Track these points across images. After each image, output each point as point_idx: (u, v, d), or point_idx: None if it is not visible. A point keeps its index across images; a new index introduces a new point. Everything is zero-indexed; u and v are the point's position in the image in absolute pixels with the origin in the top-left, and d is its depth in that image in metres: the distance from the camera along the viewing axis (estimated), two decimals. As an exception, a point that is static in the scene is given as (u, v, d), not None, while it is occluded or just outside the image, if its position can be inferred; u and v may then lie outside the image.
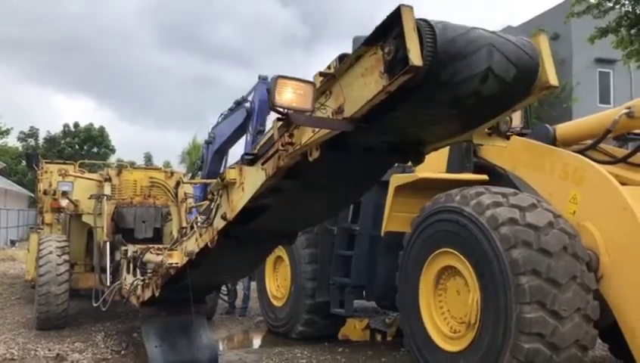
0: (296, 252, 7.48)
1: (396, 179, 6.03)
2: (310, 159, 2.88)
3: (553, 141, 5.62)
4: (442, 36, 2.13)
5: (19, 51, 76.15)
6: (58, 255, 7.92)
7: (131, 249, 6.96)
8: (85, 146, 48.63)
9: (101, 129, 50.22)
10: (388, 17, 2.17)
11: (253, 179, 3.58)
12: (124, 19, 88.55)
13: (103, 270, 7.86)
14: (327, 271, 7.25)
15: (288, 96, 2.48)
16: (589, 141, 5.48)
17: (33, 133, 49.01)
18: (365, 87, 2.34)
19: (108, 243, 7.85)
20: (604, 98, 24.30)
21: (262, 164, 3.40)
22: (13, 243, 28.57)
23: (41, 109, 75.47)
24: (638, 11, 14.68)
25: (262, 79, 12.22)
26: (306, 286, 7.37)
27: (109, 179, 8.55)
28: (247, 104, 12.55)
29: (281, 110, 2.54)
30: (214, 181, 4.37)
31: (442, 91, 2.30)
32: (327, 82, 2.60)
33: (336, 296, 7.11)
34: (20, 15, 73.70)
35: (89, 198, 8.44)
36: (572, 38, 22.47)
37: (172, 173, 9.25)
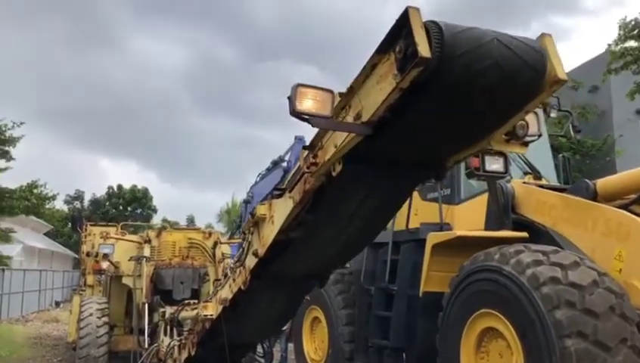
0: (333, 313, 7.36)
1: (433, 237, 5.93)
2: (334, 173, 2.94)
3: (594, 196, 5.46)
4: (448, 31, 2.23)
5: (70, 120, 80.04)
6: (98, 318, 8.02)
7: (168, 310, 6.98)
8: (129, 207, 49.87)
9: (145, 191, 51.53)
10: (397, 20, 2.29)
11: (282, 209, 3.67)
12: (167, 85, 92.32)
13: (141, 332, 7.89)
14: (365, 332, 7.08)
15: (308, 103, 2.60)
16: (632, 196, 5.31)
17: (79, 196, 50.80)
18: (381, 92, 2.43)
19: (147, 305, 7.90)
20: (649, 150, 23.66)
21: (290, 192, 3.49)
22: (57, 304, 29.06)
23: (87, 173, 78.39)
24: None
25: (299, 138, 12.44)
26: (343, 349, 7.20)
27: (149, 241, 8.71)
28: (284, 164, 12.77)
29: (302, 116, 2.64)
30: None
31: (453, 88, 2.34)
32: (346, 96, 2.70)
33: (375, 359, 6.90)
34: (73, 87, 78.17)
35: (129, 260, 8.58)
36: (611, 91, 22.16)
37: (210, 233, 9.37)
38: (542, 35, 2.52)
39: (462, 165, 6.83)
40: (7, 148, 19.25)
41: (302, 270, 4.28)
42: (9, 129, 18.87)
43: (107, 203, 50.01)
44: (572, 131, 8.16)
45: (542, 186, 6.23)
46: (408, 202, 6.95)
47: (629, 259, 4.64)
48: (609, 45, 15.43)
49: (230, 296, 4.72)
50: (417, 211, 7.13)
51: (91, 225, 12.71)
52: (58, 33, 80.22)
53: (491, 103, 2.48)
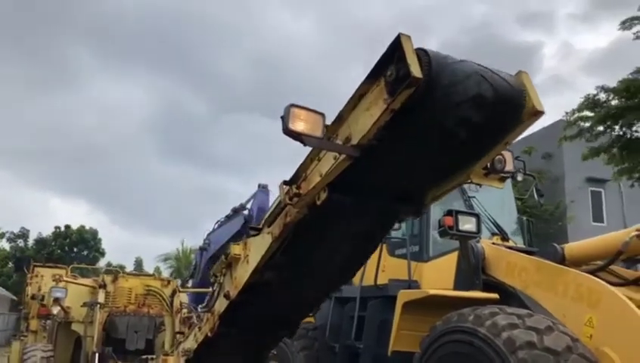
0: (295, 370, 7.11)
1: (405, 295, 5.86)
2: (318, 202, 2.95)
3: (562, 260, 5.54)
4: (434, 55, 2.36)
5: (25, 160, 77.14)
6: (42, 367, 7.51)
7: (120, 365, 6.61)
8: (75, 248, 47.96)
9: (94, 232, 49.77)
10: (389, 46, 2.36)
11: (259, 246, 3.56)
12: (129, 130, 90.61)
13: (89, 384, 7.43)
14: (327, 391, 6.87)
15: (300, 124, 2.64)
16: (599, 262, 5.40)
17: (23, 234, 48.39)
18: (371, 117, 2.47)
19: (97, 355, 7.47)
20: (597, 217, 24.53)
21: (268, 226, 3.42)
22: (-10, 349, 27.30)
23: (36, 211, 75.17)
24: (629, 135, 15.20)
25: (262, 187, 12.33)
26: (304, 408, 6.94)
27: (104, 286, 8.31)
28: (246, 212, 12.56)
29: (294, 135, 2.66)
30: (208, 290, 4.25)
31: (443, 105, 2.41)
32: (334, 124, 2.74)
33: (337, 420, 6.68)
34: (31, 127, 75.98)
35: (82, 305, 8.15)
36: (564, 158, 23.12)
37: (168, 281, 9.03)
38: (520, 71, 2.63)
39: (432, 224, 6.88)
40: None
41: (274, 316, 4.14)
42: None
43: (53, 243, 47.89)
44: (536, 194, 8.35)
45: (510, 247, 6.29)
46: (377, 257, 6.90)
47: (599, 326, 4.66)
48: (566, 113, 16.15)
49: (195, 347, 4.49)
50: (385, 267, 7.07)
51: (38, 266, 12.11)
52: (16, 71, 78.36)
53: (474, 130, 2.52)
